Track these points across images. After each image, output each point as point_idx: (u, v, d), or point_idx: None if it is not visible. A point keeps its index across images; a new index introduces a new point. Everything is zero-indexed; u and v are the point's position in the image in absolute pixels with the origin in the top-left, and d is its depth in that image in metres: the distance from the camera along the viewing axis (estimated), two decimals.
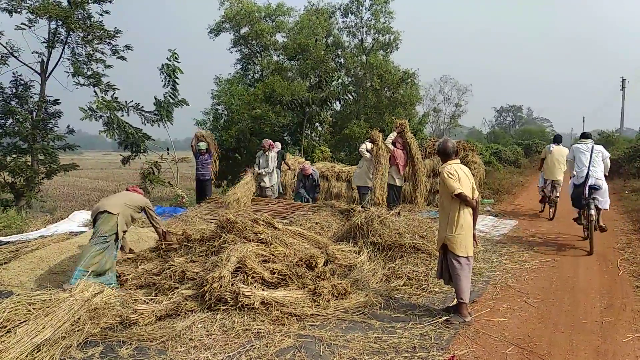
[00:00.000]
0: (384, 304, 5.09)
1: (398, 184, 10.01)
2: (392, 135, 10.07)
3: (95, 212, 5.71)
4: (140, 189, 6.76)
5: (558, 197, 10.50)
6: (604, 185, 7.81)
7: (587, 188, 7.71)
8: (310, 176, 11.21)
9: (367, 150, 10.22)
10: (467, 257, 4.72)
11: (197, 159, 11.23)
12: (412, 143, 10.30)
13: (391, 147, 9.89)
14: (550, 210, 10.81)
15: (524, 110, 78.75)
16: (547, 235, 8.95)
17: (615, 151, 22.97)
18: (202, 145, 11.16)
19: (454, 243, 4.66)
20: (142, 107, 13.34)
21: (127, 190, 6.39)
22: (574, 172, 8.09)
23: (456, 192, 4.58)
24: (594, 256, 7.41)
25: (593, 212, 7.46)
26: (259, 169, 11.04)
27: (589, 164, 7.85)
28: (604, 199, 7.78)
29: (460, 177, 4.68)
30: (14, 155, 12.25)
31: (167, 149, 14.19)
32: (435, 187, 12.71)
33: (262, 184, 11.23)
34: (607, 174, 8.01)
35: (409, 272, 5.90)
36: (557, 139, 10.99)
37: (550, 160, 10.54)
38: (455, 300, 4.80)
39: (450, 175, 4.64)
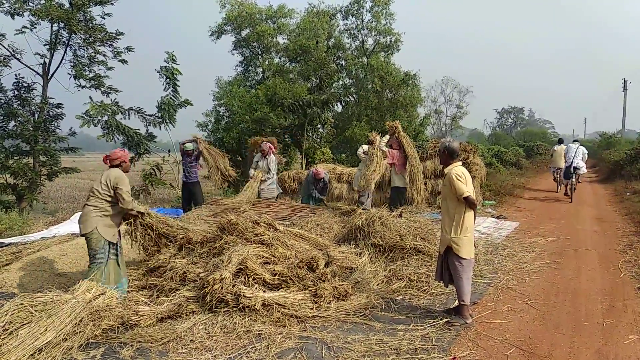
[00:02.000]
0: (385, 306, 5.08)
1: (397, 184, 9.91)
2: (385, 138, 10.02)
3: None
4: (123, 152, 5.55)
5: (561, 179, 15.63)
6: (582, 164, 14.26)
7: (572, 168, 14.06)
8: (322, 180, 11.25)
9: (363, 153, 10.25)
10: (469, 259, 4.73)
11: (183, 159, 10.85)
12: (404, 142, 10.21)
13: (385, 149, 9.82)
14: (559, 187, 16.22)
15: (525, 111, 78.80)
16: (548, 237, 8.94)
17: (617, 153, 22.95)
18: (189, 145, 10.97)
19: (460, 245, 4.65)
20: (145, 111, 13.35)
21: (106, 161, 5.47)
22: (566, 159, 14.61)
23: (465, 195, 4.57)
24: (596, 257, 7.41)
25: (574, 180, 14.20)
26: (257, 173, 10.99)
27: (574, 156, 14.20)
28: (582, 171, 14.41)
29: (467, 179, 4.69)
30: (15, 157, 12.26)
31: (169, 151, 14.20)
32: (437, 188, 12.69)
33: (261, 187, 11.19)
34: (585, 162, 14.54)
35: (410, 274, 5.90)
36: (560, 141, 16.86)
37: (555, 155, 16.23)
38: (457, 302, 4.80)
39: (459, 178, 4.62)
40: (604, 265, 6.99)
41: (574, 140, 15.63)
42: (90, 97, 12.45)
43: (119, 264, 5.28)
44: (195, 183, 10.71)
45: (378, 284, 5.74)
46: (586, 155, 14.55)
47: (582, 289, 5.88)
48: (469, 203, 4.63)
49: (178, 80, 13.55)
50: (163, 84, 13.40)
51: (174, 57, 13.37)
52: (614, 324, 4.77)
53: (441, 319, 4.69)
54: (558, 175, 16.03)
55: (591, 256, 7.53)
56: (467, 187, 4.62)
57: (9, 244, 7.38)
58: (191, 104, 13.97)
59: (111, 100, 12.87)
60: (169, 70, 13.31)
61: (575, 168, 13.96)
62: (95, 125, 12.45)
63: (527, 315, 5.00)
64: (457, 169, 4.72)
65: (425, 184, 12.79)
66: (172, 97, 13.46)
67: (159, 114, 13.38)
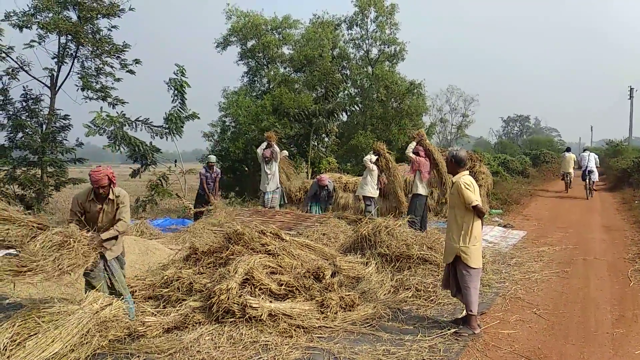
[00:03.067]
0: (392, 316, 5.06)
1: (421, 192, 9.65)
2: (412, 145, 9.81)
3: None
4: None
5: (571, 180, 18.70)
6: (595, 170, 16.86)
7: (587, 171, 16.69)
8: (326, 187, 11.22)
9: (370, 162, 10.29)
10: (478, 269, 4.70)
11: (207, 172, 11.02)
12: (433, 150, 10.09)
13: (412, 156, 9.63)
14: (568, 188, 18.76)
15: (531, 120, 78.60)
16: (556, 245, 8.88)
17: (624, 161, 22.82)
18: (213, 157, 11.10)
19: (469, 255, 4.63)
20: (151, 122, 13.44)
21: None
22: (581, 165, 17.16)
23: (474, 204, 4.57)
24: (605, 267, 7.35)
25: (587, 181, 16.69)
26: (266, 182, 11.08)
27: (588, 161, 16.73)
28: (595, 177, 17.00)
29: (475, 188, 4.68)
30: (23, 168, 12.34)
31: (175, 161, 14.28)
32: (443, 197, 12.65)
33: (265, 193, 11.24)
34: (598, 166, 17.69)
35: (417, 284, 5.87)
36: (568, 149, 19.73)
37: (564, 161, 18.78)
38: (464, 312, 4.77)
39: (467, 187, 4.63)
40: (613, 274, 6.93)
41: (584, 149, 19.29)
42: (101, 107, 12.56)
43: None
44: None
45: (385, 294, 5.72)
46: (597, 160, 17.73)
47: (592, 299, 5.83)
48: (477, 212, 4.62)
49: (186, 93, 13.69)
50: (172, 96, 13.55)
51: (183, 71, 13.52)
52: (624, 334, 4.72)
53: (449, 329, 4.66)
54: (567, 179, 18.76)
55: (600, 265, 7.47)
56: (475, 195, 4.61)
57: (17, 254, 7.40)
58: (198, 117, 14.09)
59: (117, 113, 12.96)
60: (178, 82, 13.44)
61: (590, 171, 16.69)
62: (101, 135, 12.56)
63: (535, 325, 4.95)
64: (465, 178, 4.72)
65: (432, 192, 12.78)
66: (180, 109, 13.58)
67: (166, 125, 13.48)
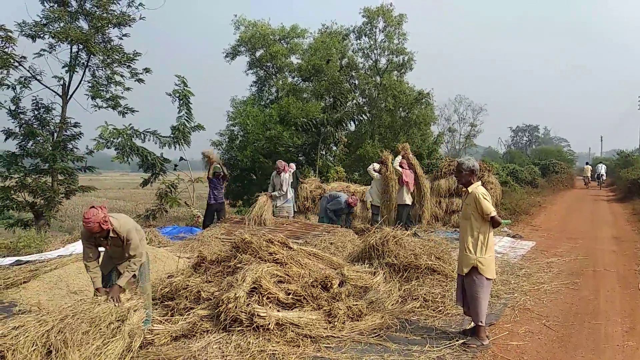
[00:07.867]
0: (400, 326, 5.03)
1: (408, 202, 10.38)
2: (398, 159, 10.49)
3: None
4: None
5: (589, 181, 31.54)
6: (605, 174, 30.05)
7: (599, 174, 29.53)
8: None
9: (374, 170, 10.58)
10: (491, 280, 4.69)
11: (212, 182, 11.04)
12: (414, 163, 10.86)
13: (399, 169, 10.30)
14: (586, 185, 31.13)
15: (540, 130, 78.26)
16: (566, 256, 8.80)
17: (635, 171, 22.65)
18: (218, 167, 11.21)
19: (485, 265, 4.61)
20: (159, 133, 13.57)
21: None
22: (596, 171, 30.56)
23: (492, 214, 4.57)
24: (615, 278, 7.28)
25: (600, 180, 29.64)
26: (273, 191, 11.04)
27: (600, 169, 29.87)
28: (604, 177, 29.97)
29: (490, 198, 4.68)
30: (34, 176, 12.45)
31: (175, 166, 14.39)
32: (451, 207, 12.60)
33: (276, 204, 11.23)
34: (605, 173, 30.87)
35: (425, 294, 5.84)
36: (587, 163, 35.37)
37: (584, 170, 33.07)
38: (473, 323, 4.74)
39: (485, 197, 4.62)
40: (623, 285, 6.86)
41: (600, 162, 32.10)
42: (105, 122, 12.67)
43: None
44: (222, 203, 11.19)
45: (393, 304, 5.69)
46: (606, 169, 30.44)
47: (602, 311, 5.77)
48: (493, 222, 4.61)
49: (191, 103, 13.84)
50: (177, 107, 13.72)
51: (185, 81, 13.69)
52: (634, 347, 4.66)
53: (457, 340, 4.63)
54: (587, 180, 31.17)
55: (610, 277, 7.40)
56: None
57: (27, 261, 7.46)
58: (204, 129, 14.32)
59: (124, 125, 13.09)
60: (182, 93, 13.60)
61: (601, 175, 28.90)
62: (108, 148, 12.72)
63: (545, 337, 4.91)
64: (481, 188, 4.73)
65: (440, 202, 12.75)
66: (186, 119, 13.73)
67: (173, 134, 13.60)
